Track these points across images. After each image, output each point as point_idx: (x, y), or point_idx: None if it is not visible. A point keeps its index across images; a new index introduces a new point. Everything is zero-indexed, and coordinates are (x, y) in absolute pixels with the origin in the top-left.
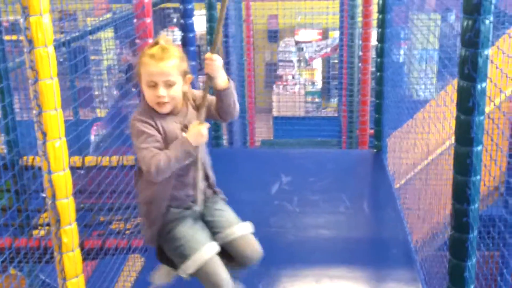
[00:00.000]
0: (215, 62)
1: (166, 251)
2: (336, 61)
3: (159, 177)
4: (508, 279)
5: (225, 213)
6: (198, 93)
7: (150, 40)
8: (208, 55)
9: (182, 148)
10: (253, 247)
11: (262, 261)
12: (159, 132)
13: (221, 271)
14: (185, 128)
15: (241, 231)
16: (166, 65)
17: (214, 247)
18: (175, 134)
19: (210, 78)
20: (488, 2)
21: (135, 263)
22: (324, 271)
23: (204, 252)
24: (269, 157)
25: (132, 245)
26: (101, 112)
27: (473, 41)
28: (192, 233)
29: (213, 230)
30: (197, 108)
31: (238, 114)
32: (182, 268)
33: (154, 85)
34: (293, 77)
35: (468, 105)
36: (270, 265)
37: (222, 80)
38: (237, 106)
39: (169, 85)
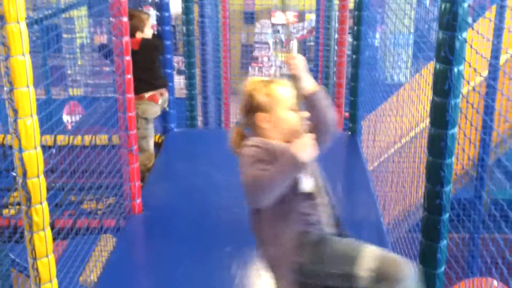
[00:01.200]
0: (297, 61)
1: (321, 275)
2: (312, 43)
3: (263, 200)
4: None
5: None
6: None
7: (125, 19)
8: (289, 55)
9: (290, 162)
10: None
11: (236, 242)
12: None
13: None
14: None
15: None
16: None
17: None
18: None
19: (295, 80)
20: None
21: (106, 243)
22: None
23: (369, 245)
24: None
25: (103, 225)
26: (73, 91)
27: (450, 24)
28: (344, 241)
29: None
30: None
31: (335, 123)
32: (360, 268)
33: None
34: (268, 59)
35: (444, 87)
36: (243, 245)
37: (308, 81)
38: (332, 112)
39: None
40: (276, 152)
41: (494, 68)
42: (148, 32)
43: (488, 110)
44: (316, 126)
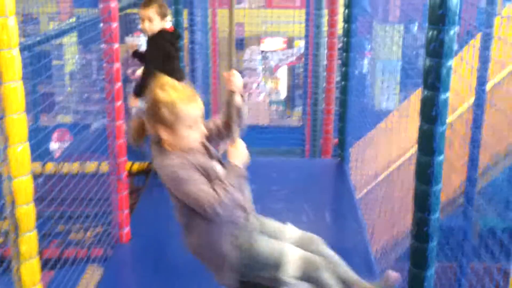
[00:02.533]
0: (235, 78)
1: (254, 277)
2: (301, 70)
3: (225, 213)
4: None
5: (267, 220)
6: (207, 123)
7: (116, 45)
8: (227, 72)
9: (236, 175)
10: (315, 238)
11: None
12: (199, 171)
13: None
14: (218, 160)
15: (295, 232)
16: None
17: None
18: (208, 166)
19: (231, 94)
20: (452, 12)
21: (94, 273)
22: None
23: (291, 250)
24: None
25: (91, 255)
26: (63, 118)
27: (437, 51)
28: (266, 243)
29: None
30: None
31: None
32: (282, 274)
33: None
34: (257, 86)
35: (431, 114)
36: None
37: (239, 94)
38: (242, 124)
39: None
40: (208, 169)
41: (479, 95)
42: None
43: (475, 137)
44: (226, 125)
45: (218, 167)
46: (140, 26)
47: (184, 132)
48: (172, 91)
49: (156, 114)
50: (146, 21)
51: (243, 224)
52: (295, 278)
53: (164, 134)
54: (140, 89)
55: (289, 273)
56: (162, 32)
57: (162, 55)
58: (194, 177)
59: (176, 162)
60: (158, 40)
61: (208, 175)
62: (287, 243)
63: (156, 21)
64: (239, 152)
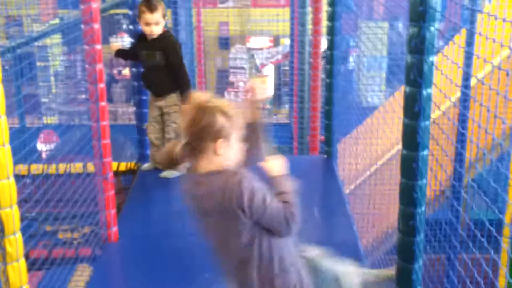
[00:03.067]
0: (259, 85)
1: None
2: (287, 68)
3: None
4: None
5: None
6: None
7: (98, 46)
8: (260, 80)
9: (291, 186)
10: None
11: (214, 268)
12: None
13: None
14: None
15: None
16: None
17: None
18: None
19: (254, 105)
20: (432, 9)
21: (83, 273)
22: None
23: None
24: None
25: (79, 255)
26: (48, 120)
27: (418, 47)
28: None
29: None
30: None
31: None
32: None
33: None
34: (244, 84)
35: (414, 110)
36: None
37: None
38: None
39: None
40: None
41: (464, 91)
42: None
43: (461, 130)
44: (250, 150)
45: None
46: (145, 31)
47: (237, 144)
48: (217, 101)
49: (210, 124)
50: (153, 25)
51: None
52: None
53: (219, 149)
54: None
55: None
56: (170, 34)
57: (179, 57)
58: (265, 189)
59: (247, 175)
60: (169, 43)
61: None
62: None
63: (162, 23)
64: (278, 163)
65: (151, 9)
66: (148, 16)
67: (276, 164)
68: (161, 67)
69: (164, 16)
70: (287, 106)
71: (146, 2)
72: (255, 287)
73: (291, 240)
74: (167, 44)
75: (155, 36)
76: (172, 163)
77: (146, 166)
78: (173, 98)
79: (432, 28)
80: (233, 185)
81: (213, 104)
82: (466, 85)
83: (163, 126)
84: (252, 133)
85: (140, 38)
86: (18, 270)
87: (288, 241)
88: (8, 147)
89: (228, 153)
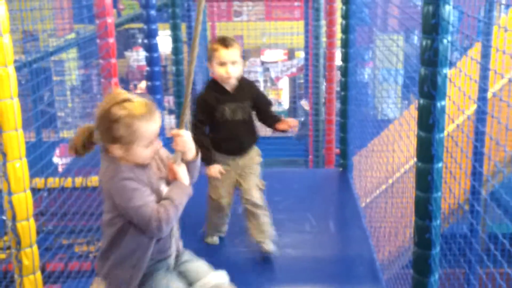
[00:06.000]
0: (184, 138)
1: None
2: (302, 81)
3: (166, 231)
4: None
5: (195, 264)
6: (166, 155)
7: (113, 60)
8: (175, 131)
9: (184, 192)
10: None
11: None
12: (147, 186)
13: None
14: (166, 181)
15: (216, 280)
16: None
17: None
18: (157, 186)
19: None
20: (445, 22)
21: (98, 286)
22: None
23: None
24: None
25: (95, 268)
26: (64, 133)
27: (432, 60)
28: (166, 283)
29: (188, 281)
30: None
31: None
32: None
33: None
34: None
35: (429, 122)
36: (235, 284)
37: (191, 153)
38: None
39: None
40: (156, 189)
41: (481, 104)
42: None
43: (478, 144)
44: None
45: (164, 188)
46: (218, 74)
47: (139, 151)
48: (130, 107)
49: (110, 131)
50: (229, 64)
51: (159, 255)
52: None
53: (117, 151)
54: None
55: None
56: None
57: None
58: (142, 189)
59: (126, 174)
60: (255, 85)
61: (156, 194)
62: None
63: (240, 65)
64: (184, 174)
65: (226, 44)
66: (224, 52)
67: (181, 171)
68: (247, 120)
69: (242, 57)
70: (302, 119)
71: (219, 40)
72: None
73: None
74: (255, 87)
75: (233, 81)
76: (87, 147)
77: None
78: (255, 148)
79: (445, 41)
80: (112, 178)
81: (123, 109)
82: (482, 98)
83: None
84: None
85: (210, 92)
86: (34, 282)
87: (151, 242)
88: (24, 161)
89: (128, 155)
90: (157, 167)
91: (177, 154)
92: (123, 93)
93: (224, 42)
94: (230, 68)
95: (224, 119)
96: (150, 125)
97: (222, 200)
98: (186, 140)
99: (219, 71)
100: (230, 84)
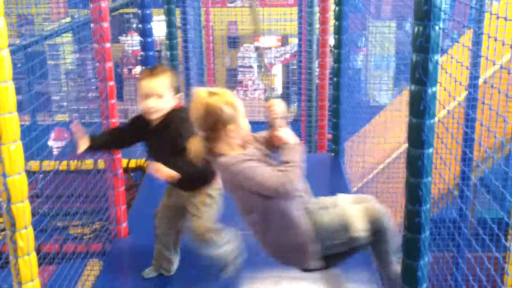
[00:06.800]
0: (274, 106)
1: (333, 247)
2: (295, 67)
3: (294, 190)
4: (458, 279)
5: (319, 198)
6: (258, 135)
7: (108, 45)
8: (267, 103)
9: (296, 150)
10: (369, 197)
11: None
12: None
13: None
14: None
15: (347, 196)
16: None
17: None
18: (265, 160)
19: (271, 126)
20: (437, 8)
21: (93, 268)
22: (283, 273)
23: (350, 208)
24: None
25: (90, 250)
26: (59, 117)
27: (423, 46)
28: (328, 214)
29: None
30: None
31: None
32: (354, 232)
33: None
34: (253, 83)
35: (419, 108)
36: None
37: (284, 132)
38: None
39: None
40: (262, 160)
41: (471, 91)
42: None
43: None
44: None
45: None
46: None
47: (243, 121)
48: (219, 93)
49: (221, 117)
50: (154, 97)
51: (307, 200)
52: (366, 231)
53: (232, 133)
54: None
55: (358, 229)
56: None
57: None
58: (258, 165)
59: (240, 157)
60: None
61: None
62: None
63: (168, 98)
64: (289, 132)
65: (150, 74)
66: (145, 84)
67: (288, 134)
68: (171, 161)
69: (174, 88)
70: (295, 105)
71: (146, 69)
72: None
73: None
74: (179, 130)
75: (156, 116)
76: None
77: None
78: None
79: (437, 27)
80: (232, 166)
81: (216, 96)
82: (473, 85)
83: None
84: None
85: (135, 122)
86: (29, 263)
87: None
88: (19, 143)
89: (239, 133)
90: (255, 148)
91: (274, 122)
92: (203, 90)
93: (148, 71)
94: (150, 102)
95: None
96: (238, 100)
97: (157, 229)
98: (277, 108)
99: (139, 104)
100: (153, 119)
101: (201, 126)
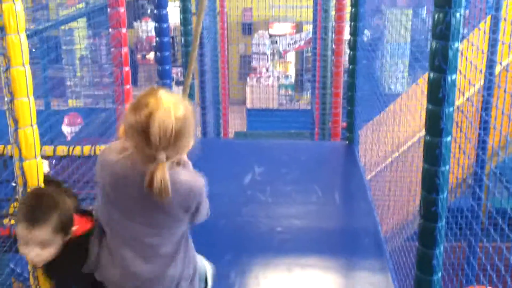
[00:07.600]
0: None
1: None
2: (309, 54)
3: None
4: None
5: None
6: None
7: (124, 30)
8: None
9: None
10: None
11: (235, 250)
12: None
13: None
14: None
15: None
16: None
17: None
18: None
19: None
20: None
21: None
22: (295, 260)
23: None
24: (242, 148)
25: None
26: (73, 103)
27: (444, 33)
28: None
29: None
30: None
31: None
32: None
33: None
34: (267, 70)
35: (438, 96)
36: (243, 254)
37: None
38: None
39: None
40: None
41: (488, 79)
42: None
43: (485, 119)
44: None
45: None
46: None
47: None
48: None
49: (191, 125)
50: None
51: None
52: None
53: (191, 144)
54: None
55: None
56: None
57: None
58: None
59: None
60: None
61: None
62: None
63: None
64: None
65: (32, 221)
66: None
67: None
68: None
69: (58, 231)
70: (309, 92)
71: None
72: None
73: None
74: None
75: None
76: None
77: None
78: None
79: (458, 14)
80: (195, 182)
81: (181, 105)
82: (490, 72)
83: None
84: None
85: None
86: None
87: None
88: (35, 127)
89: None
90: None
91: None
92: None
93: (27, 216)
94: (32, 251)
95: None
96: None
97: None
98: None
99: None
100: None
101: (179, 137)
